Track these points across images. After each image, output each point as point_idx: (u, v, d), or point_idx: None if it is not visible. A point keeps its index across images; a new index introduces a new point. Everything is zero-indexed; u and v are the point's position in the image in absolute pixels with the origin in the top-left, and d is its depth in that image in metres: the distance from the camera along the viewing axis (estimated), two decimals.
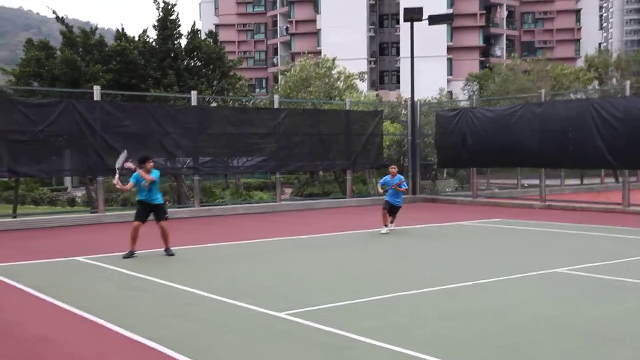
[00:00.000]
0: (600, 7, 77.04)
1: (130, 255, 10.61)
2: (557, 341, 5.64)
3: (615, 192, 20.91)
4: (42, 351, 5.63)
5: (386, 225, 13.92)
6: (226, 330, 6.14)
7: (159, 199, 10.98)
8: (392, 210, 14.10)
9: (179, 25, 22.85)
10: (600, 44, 69.23)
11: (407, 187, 14.98)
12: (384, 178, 14.58)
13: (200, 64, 23.27)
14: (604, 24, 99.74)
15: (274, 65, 67.49)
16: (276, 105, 20.58)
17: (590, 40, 67.33)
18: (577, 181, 29.53)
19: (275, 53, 68.85)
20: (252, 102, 27.05)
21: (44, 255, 11.08)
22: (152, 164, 10.88)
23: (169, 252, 10.78)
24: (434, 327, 6.14)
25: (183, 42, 22.96)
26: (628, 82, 19.51)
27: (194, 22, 24.37)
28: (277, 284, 8.33)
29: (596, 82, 42.22)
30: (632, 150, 17.25)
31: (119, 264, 9.90)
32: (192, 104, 18.45)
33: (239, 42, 70.35)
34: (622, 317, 6.48)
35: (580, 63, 53.70)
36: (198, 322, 6.42)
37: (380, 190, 14.40)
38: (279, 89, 29.22)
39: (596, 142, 17.88)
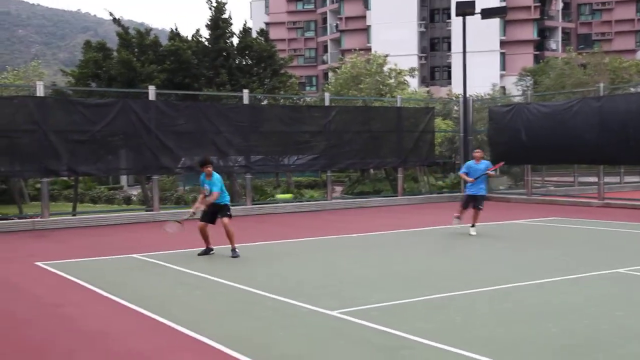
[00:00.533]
0: None
1: (206, 252, 10.64)
2: (620, 343, 5.46)
3: None
4: (101, 345, 5.77)
5: (458, 218, 12.89)
6: (278, 328, 6.16)
7: (225, 199, 10.69)
8: (477, 203, 12.74)
9: (231, 25, 23.16)
10: None
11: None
12: (467, 164, 13.18)
13: (251, 62, 23.52)
14: None
15: (324, 62, 67.59)
16: (327, 103, 20.60)
17: None
18: (638, 178, 28.55)
19: (325, 50, 68.94)
20: (302, 100, 27.18)
21: (102, 252, 11.38)
22: (211, 167, 10.57)
23: (234, 254, 10.41)
24: (491, 328, 6.02)
25: (235, 41, 23.24)
26: None
27: (245, 21, 24.69)
28: (329, 283, 8.32)
29: None
30: None
31: (174, 261, 10.07)
32: (244, 103, 18.64)
33: (289, 40, 70.70)
34: None
35: None
36: (252, 320, 6.47)
37: (468, 179, 12.83)
38: (330, 87, 29.21)
39: None
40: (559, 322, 6.16)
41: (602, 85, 20.30)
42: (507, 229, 14.22)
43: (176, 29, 22.94)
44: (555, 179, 29.11)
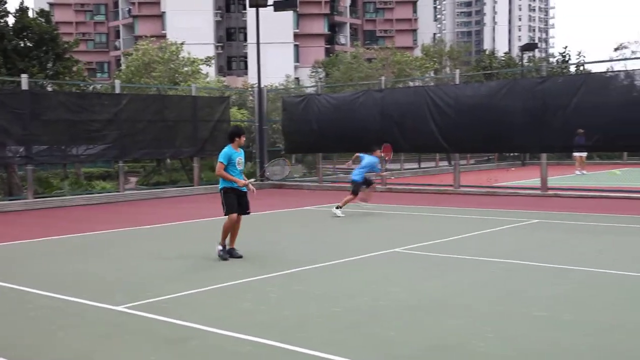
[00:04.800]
0: None
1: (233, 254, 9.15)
2: (396, 315, 5.96)
3: (448, 174, 22.38)
4: None
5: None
6: (56, 328, 5.79)
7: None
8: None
9: (5, 2, 21.07)
10: (435, 34, 73.70)
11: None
12: (371, 159, 14.52)
13: (30, 45, 21.63)
14: (438, 16, 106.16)
15: (116, 48, 64.56)
16: (117, 91, 19.74)
17: (426, 31, 71.47)
18: (415, 165, 31.30)
19: (118, 36, 65.87)
20: (91, 87, 25.70)
21: None
22: (244, 138, 9.26)
23: (234, 254, 9.14)
24: (280, 311, 6.22)
25: (10, 21, 21.21)
26: (458, 72, 20.95)
27: (22, 0, 22.59)
28: (117, 277, 8.01)
29: (432, 71, 44.93)
30: (462, 134, 18.58)
31: None
32: (23, 88, 17.14)
33: (77, 23, 66.48)
34: (450, 291, 6.98)
35: (417, 52, 56.79)
36: (23, 321, 6.01)
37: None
38: (121, 74, 27.95)
39: (430, 127, 19.05)
40: (343, 302, 6.56)
41: (383, 78, 21.92)
42: (297, 215, 14.78)
43: None
44: (345, 166, 30.82)
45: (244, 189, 9.21)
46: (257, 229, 12.41)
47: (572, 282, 7.30)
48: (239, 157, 9.16)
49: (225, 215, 9.12)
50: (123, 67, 30.94)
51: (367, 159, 14.57)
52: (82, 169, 24.25)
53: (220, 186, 9.21)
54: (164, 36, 47.92)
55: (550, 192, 17.69)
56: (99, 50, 67.48)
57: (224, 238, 9.09)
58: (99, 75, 63.76)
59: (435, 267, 8.27)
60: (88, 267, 8.79)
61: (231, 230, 9.11)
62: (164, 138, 20.44)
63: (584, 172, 24.36)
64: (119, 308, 6.37)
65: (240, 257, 9.05)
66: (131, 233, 12.23)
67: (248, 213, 9.40)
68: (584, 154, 23.48)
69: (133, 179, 25.93)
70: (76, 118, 18.18)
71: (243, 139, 9.23)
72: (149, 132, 19.98)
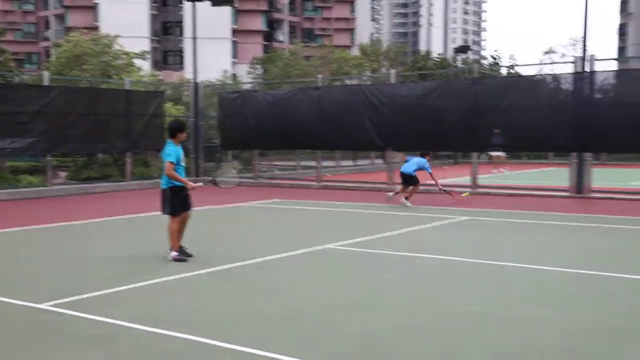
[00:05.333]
0: None
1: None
2: (327, 312, 5.99)
3: (383, 172, 22.65)
4: None
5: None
6: None
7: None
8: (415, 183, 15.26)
9: None
10: (372, 34, 74.55)
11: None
12: (422, 160, 15.29)
13: None
14: (376, 16, 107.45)
15: (46, 39, 62.36)
16: (46, 82, 19.08)
17: (364, 30, 72.21)
18: (351, 162, 31.59)
19: (48, 26, 63.66)
20: (20, 77, 24.76)
21: None
22: (185, 134, 8.88)
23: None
24: (211, 308, 6.16)
25: None
26: (393, 71, 21.26)
27: None
28: (41, 275, 7.75)
29: (370, 70, 45.44)
30: (396, 133, 18.87)
31: None
32: None
33: (4, 11, 63.77)
34: (381, 287, 7.08)
35: (355, 51, 57.30)
36: None
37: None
38: (51, 66, 27.01)
39: (366, 126, 19.25)
40: (275, 298, 6.55)
41: (321, 76, 21.99)
42: (231, 212, 14.67)
43: None
44: (281, 163, 30.82)
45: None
46: (189, 226, 12.23)
47: (500, 278, 7.52)
48: (182, 153, 8.75)
49: (170, 214, 8.68)
50: (53, 58, 29.86)
51: (418, 159, 15.41)
52: (7, 162, 23.33)
53: (165, 185, 8.66)
54: (96, 28, 46.61)
55: (480, 190, 18.18)
56: (28, 40, 65.01)
57: (174, 243, 8.59)
58: (27, 66, 61.37)
59: (366, 264, 8.36)
60: (10, 264, 8.46)
61: (180, 229, 8.73)
62: (95, 132, 19.90)
63: (502, 170, 25.22)
64: (43, 306, 6.16)
65: (191, 255, 8.64)
66: (58, 229, 11.85)
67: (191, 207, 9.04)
68: (502, 153, 24.35)
69: (63, 174, 25.12)
70: (1, 110, 17.46)
71: (185, 135, 8.86)
72: (80, 126, 19.41)
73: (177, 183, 8.61)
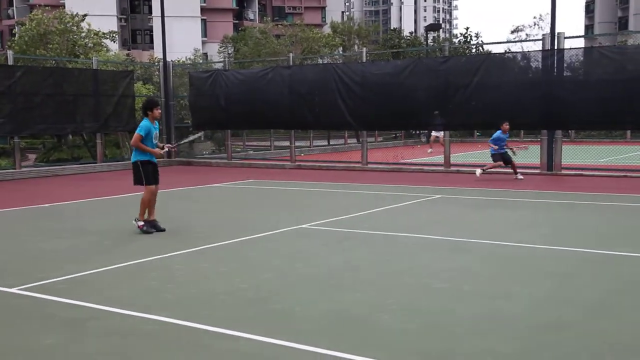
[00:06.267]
0: None
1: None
2: (298, 289, 6.00)
3: (357, 151, 22.72)
4: None
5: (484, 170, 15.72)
6: None
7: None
8: (508, 160, 15.57)
9: None
10: (343, 12, 74.13)
11: None
12: (497, 134, 15.46)
13: None
14: None
15: (9, 17, 60.72)
16: (10, 62, 18.66)
17: (335, 9, 71.74)
18: (325, 142, 31.56)
19: (11, 4, 61.95)
20: None
21: None
22: (159, 111, 9.28)
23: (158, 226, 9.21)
24: (185, 289, 6.11)
25: None
26: (365, 50, 21.21)
27: None
28: (8, 258, 7.62)
29: (341, 48, 45.22)
30: (368, 112, 18.87)
31: None
32: None
33: None
34: (354, 265, 7.11)
35: (327, 30, 56.95)
36: None
37: (494, 146, 15.55)
38: (15, 45, 26.33)
39: (338, 105, 19.21)
40: (249, 278, 6.53)
41: (292, 55, 21.82)
42: (204, 193, 14.57)
43: None
44: (255, 143, 30.67)
45: (156, 160, 9.30)
46: (163, 206, 12.12)
47: (472, 254, 7.61)
48: (155, 131, 9.20)
49: (144, 185, 9.10)
50: (17, 37, 29.11)
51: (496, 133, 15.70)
52: None
53: (134, 159, 9.17)
54: (62, 6, 45.48)
55: (452, 168, 18.32)
56: None
57: (142, 213, 9.05)
58: None
59: (340, 243, 8.38)
60: None
61: (151, 202, 9.09)
62: (63, 113, 19.58)
63: (431, 150, 25.05)
64: (12, 290, 6.07)
65: (163, 230, 9.09)
66: (26, 212, 11.65)
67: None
68: (441, 134, 24.21)
69: (32, 156, 24.70)
70: None
71: (158, 111, 9.20)
72: (47, 107, 19.07)
73: (145, 156, 9.10)
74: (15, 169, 18.60)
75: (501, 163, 15.76)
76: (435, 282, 6.23)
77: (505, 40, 54.05)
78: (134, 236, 8.98)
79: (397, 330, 4.90)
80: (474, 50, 37.32)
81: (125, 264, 7.20)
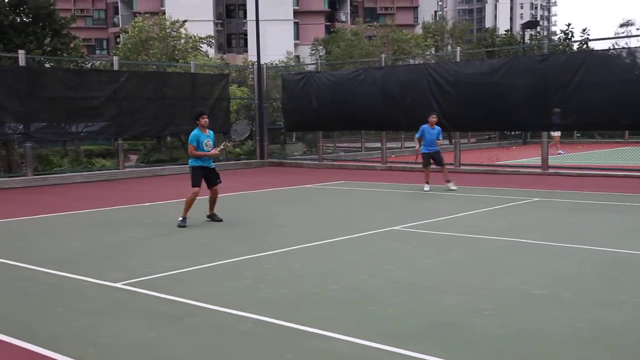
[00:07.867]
0: None
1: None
2: (390, 293, 5.95)
3: (449, 153, 22.29)
4: None
5: (428, 183, 14.14)
6: (54, 304, 5.79)
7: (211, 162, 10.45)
8: (438, 161, 14.09)
9: None
10: (436, 12, 73.02)
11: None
12: (422, 128, 14.17)
13: (27, 20, 21.41)
14: None
15: (115, 25, 64.01)
16: (116, 67, 19.63)
17: (428, 8, 70.82)
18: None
19: (116, 12, 65.29)
20: (90, 63, 25.55)
21: None
22: (207, 119, 10.21)
23: (215, 218, 10.37)
24: (276, 288, 6.21)
25: None
26: (458, 49, 20.79)
27: None
28: (114, 254, 8.00)
29: (433, 49, 44.57)
30: (462, 112, 18.47)
31: None
32: (20, 64, 17.02)
33: None
34: (448, 268, 6.97)
35: (419, 30, 56.33)
36: (23, 298, 6.01)
37: (417, 146, 14.62)
38: (119, 52, 27.72)
39: (431, 105, 18.90)
40: (340, 279, 6.55)
41: (384, 56, 21.72)
42: (296, 193, 14.75)
43: None
44: (345, 144, 30.76)
45: (212, 165, 10.26)
46: (255, 207, 12.40)
47: (571, 260, 7.28)
48: (207, 139, 10.06)
49: (191, 187, 10.02)
50: (120, 44, 30.62)
51: None
52: (81, 146, 24.21)
53: (189, 164, 10.22)
54: (163, 12, 47.47)
55: (551, 170, 17.64)
56: (98, 27, 66.94)
57: (186, 210, 9.97)
58: (98, 52, 63.36)
59: (432, 245, 8.25)
60: (86, 243, 8.78)
61: (192, 202, 10.00)
62: (163, 115, 20.37)
63: (561, 151, 24.24)
64: (118, 285, 6.37)
65: (221, 220, 10.21)
66: (130, 210, 12.22)
67: (220, 182, 10.34)
68: (558, 134, 23.30)
69: (134, 157, 25.88)
70: (75, 95, 18.10)
71: (203, 119, 10.05)
72: (148, 110, 19.92)
73: (197, 162, 10.06)
74: (119, 169, 19.56)
75: None
76: (532, 288, 6.01)
77: (610, 36, 51.33)
78: (229, 235, 9.23)
79: (492, 336, 4.77)
80: (575, 48, 35.78)
81: (220, 262, 7.39)
